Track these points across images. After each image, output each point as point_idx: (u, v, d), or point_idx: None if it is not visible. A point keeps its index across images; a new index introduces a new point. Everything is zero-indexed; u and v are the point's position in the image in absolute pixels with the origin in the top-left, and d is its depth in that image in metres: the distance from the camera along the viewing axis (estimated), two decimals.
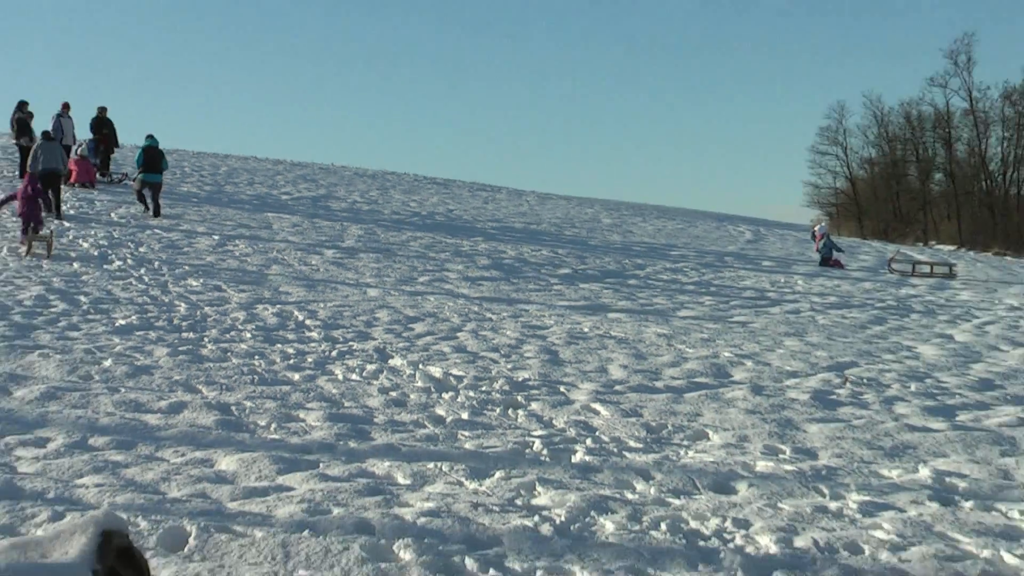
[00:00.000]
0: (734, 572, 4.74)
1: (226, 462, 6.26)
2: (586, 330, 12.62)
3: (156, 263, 15.32)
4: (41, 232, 15.49)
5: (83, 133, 24.71)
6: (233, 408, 7.66)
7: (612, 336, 12.27)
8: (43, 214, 16.13)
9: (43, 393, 7.64)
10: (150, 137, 20.75)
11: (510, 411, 8.22)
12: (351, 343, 10.73)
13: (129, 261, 15.28)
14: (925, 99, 65.23)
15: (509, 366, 10.01)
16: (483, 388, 8.95)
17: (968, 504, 6.11)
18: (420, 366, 9.73)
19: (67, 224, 18.07)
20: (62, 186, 19.54)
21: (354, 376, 9.16)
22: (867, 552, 5.16)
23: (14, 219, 16.98)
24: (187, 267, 15.20)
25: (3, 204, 16.59)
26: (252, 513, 5.24)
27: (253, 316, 11.90)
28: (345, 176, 34.76)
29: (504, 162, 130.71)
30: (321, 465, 6.33)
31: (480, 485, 6.10)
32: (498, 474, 6.32)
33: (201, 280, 14.21)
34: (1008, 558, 5.13)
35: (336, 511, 5.31)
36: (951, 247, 45.18)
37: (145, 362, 9.08)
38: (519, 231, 25.17)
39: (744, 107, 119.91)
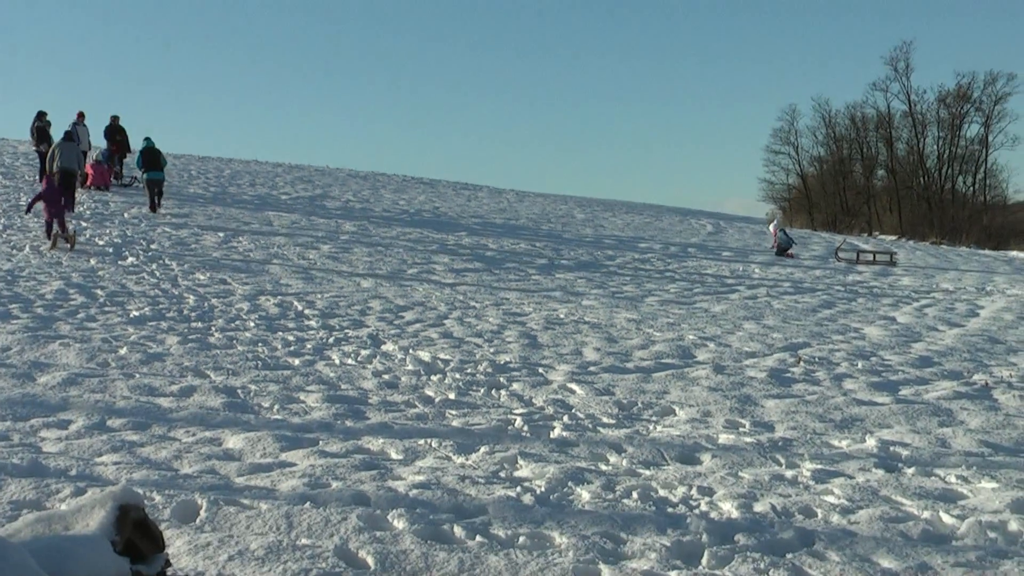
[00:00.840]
0: (700, 536, 4.76)
1: (233, 441, 6.24)
2: (562, 316, 12.62)
3: (166, 259, 15.22)
4: (67, 232, 15.41)
5: (97, 140, 24.50)
6: (239, 391, 7.63)
7: (586, 321, 12.28)
8: (66, 214, 16.03)
9: (64, 379, 7.58)
10: (147, 139, 20.73)
11: (493, 391, 8.22)
12: (346, 330, 10.69)
13: (142, 257, 15.17)
14: (868, 102, 65.55)
15: (492, 350, 10.00)
16: (468, 370, 8.94)
17: (910, 470, 6.16)
18: (410, 351, 9.71)
19: (84, 223, 17.92)
20: (78, 188, 19.40)
21: (350, 361, 9.14)
22: (820, 515, 5.19)
23: (36, 219, 16.84)
24: (195, 262, 15.11)
25: (30, 207, 16.46)
26: (258, 487, 5.22)
27: (256, 307, 11.84)
28: (339, 177, 34.59)
29: (485, 163, 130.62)
30: (320, 443, 6.31)
31: (467, 459, 6.10)
32: (483, 449, 6.32)
33: (208, 274, 14.13)
34: (946, 518, 5.18)
35: (335, 484, 5.29)
36: (893, 237, 45.46)
37: (157, 350, 9.03)
38: (500, 226, 25.13)
39: (704, 111, 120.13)
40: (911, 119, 60.77)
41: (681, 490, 5.56)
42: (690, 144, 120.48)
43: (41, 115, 22.78)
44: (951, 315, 15.12)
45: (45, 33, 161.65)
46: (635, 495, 5.39)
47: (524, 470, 5.91)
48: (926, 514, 5.25)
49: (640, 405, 7.89)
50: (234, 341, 9.68)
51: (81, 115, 22.99)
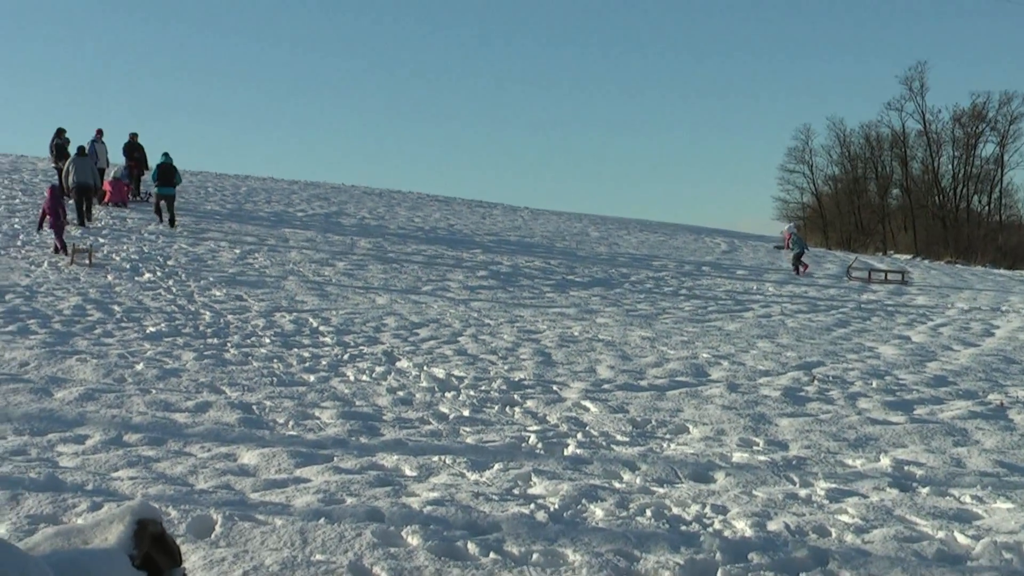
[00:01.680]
0: (713, 554, 4.75)
1: (248, 456, 6.26)
2: (576, 334, 12.63)
3: (183, 275, 15.31)
4: (64, 246, 15.71)
5: (116, 157, 24.66)
6: (254, 407, 7.66)
7: (600, 339, 12.28)
8: (64, 221, 16.47)
9: (81, 394, 7.64)
10: (165, 155, 20.85)
11: (507, 408, 8.23)
12: (361, 347, 10.73)
13: (158, 273, 15.27)
14: (883, 121, 64.86)
15: (506, 367, 10.01)
16: (482, 388, 8.95)
17: (924, 490, 6.13)
18: (425, 368, 9.73)
19: (102, 240, 18.05)
20: (95, 204, 19.62)
21: (364, 377, 9.17)
22: (834, 535, 5.17)
23: (51, 236, 16.99)
24: (211, 278, 15.19)
25: (41, 222, 16.68)
26: (272, 503, 5.24)
27: (271, 323, 11.89)
28: (355, 194, 34.72)
29: (500, 180, 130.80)
30: (335, 459, 6.33)
31: (480, 476, 6.11)
32: (497, 466, 6.33)
33: (224, 290, 14.21)
34: (961, 539, 5.15)
35: (349, 500, 5.31)
36: (907, 256, 45.21)
37: (174, 365, 9.08)
38: (514, 244, 25.16)
39: (720, 130, 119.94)
40: (926, 138, 60.53)
41: (695, 508, 5.55)
42: (705, 163, 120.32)
43: (60, 132, 23.00)
44: (965, 334, 15.03)
45: (66, 52, 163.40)
46: (649, 513, 5.39)
47: (538, 487, 5.92)
48: (941, 534, 5.22)
49: (654, 423, 7.88)
50: (249, 357, 9.72)
51: (100, 132, 23.15)
